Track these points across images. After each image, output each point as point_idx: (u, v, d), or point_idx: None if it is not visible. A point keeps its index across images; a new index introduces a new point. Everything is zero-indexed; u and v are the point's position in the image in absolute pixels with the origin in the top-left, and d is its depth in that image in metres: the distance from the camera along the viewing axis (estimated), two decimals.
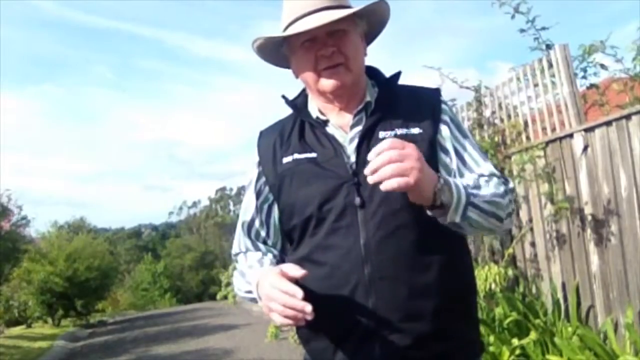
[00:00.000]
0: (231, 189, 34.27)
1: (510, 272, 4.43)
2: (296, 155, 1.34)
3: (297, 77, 1.38)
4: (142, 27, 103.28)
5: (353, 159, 1.30)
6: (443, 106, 1.35)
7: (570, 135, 4.07)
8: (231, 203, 33.93)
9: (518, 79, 4.81)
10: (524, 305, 4.22)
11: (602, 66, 4.39)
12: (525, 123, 4.79)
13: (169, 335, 9.24)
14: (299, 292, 1.13)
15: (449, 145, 1.32)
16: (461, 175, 1.31)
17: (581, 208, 4.01)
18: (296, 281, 1.16)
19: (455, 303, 1.30)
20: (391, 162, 1.08)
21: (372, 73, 1.41)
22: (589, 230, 3.95)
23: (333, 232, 1.28)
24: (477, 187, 1.24)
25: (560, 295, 4.24)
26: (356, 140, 1.31)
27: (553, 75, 4.36)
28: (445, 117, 1.34)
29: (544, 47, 4.48)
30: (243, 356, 6.66)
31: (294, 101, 1.42)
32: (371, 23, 1.37)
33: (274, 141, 1.39)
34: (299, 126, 1.38)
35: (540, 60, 4.48)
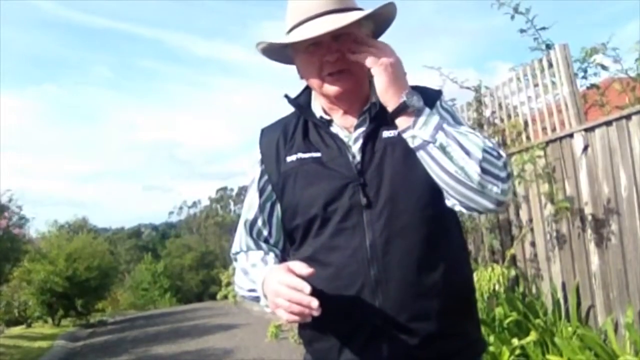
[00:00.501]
0: (232, 189, 34.29)
1: (512, 272, 4.43)
2: (300, 155, 1.33)
3: (301, 78, 1.38)
4: (142, 27, 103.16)
5: (358, 159, 1.29)
6: (443, 104, 1.34)
7: (570, 135, 4.08)
8: (231, 203, 33.94)
9: (518, 79, 4.81)
10: (524, 305, 4.22)
11: (603, 67, 4.39)
12: (525, 123, 4.80)
13: (169, 335, 9.24)
14: (307, 287, 1.12)
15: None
16: None
17: (581, 208, 4.01)
18: (306, 279, 1.16)
19: (460, 302, 1.30)
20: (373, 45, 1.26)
21: None
22: (589, 230, 3.95)
23: (338, 232, 1.27)
24: (452, 125, 1.24)
25: (560, 295, 4.25)
26: (361, 141, 1.31)
27: (553, 75, 4.36)
28: (440, 110, 1.31)
29: (543, 47, 4.48)
30: (243, 356, 6.66)
31: (296, 99, 1.41)
32: (377, 22, 1.36)
33: (277, 139, 1.38)
34: (303, 125, 1.38)
35: (540, 60, 4.48)
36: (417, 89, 1.27)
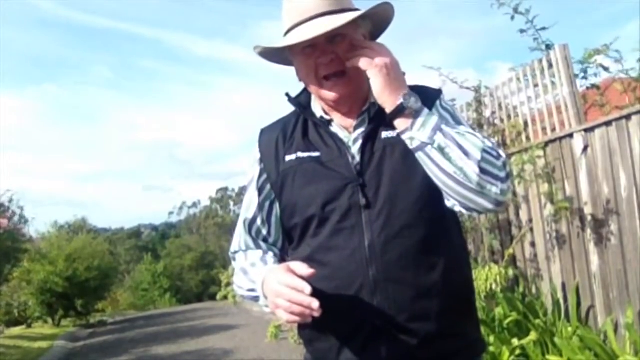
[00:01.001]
0: (232, 189, 34.27)
1: (510, 272, 4.43)
2: (300, 154, 1.33)
3: (300, 80, 1.38)
4: (142, 27, 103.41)
5: (358, 159, 1.29)
6: (443, 104, 1.34)
7: (570, 136, 4.08)
8: (231, 203, 33.92)
9: (518, 79, 4.81)
10: (524, 305, 4.22)
11: (604, 68, 4.38)
12: (525, 123, 4.80)
13: (169, 335, 9.24)
14: (307, 288, 1.12)
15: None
16: None
17: (581, 208, 4.01)
18: (304, 278, 1.16)
19: (460, 302, 1.30)
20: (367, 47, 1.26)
21: None
22: (588, 230, 3.95)
23: (337, 232, 1.27)
24: (455, 127, 1.23)
25: (560, 295, 4.25)
26: (360, 141, 1.31)
27: (553, 76, 4.36)
28: (440, 110, 1.32)
29: (543, 47, 4.48)
30: (243, 356, 6.66)
31: (297, 98, 1.41)
32: (375, 22, 1.36)
33: (277, 138, 1.38)
34: (303, 124, 1.38)
35: (540, 61, 4.48)
36: (416, 89, 1.26)
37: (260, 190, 1.39)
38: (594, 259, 3.94)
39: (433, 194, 1.25)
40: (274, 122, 1.45)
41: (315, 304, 1.11)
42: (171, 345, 8.08)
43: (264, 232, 1.40)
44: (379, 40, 1.40)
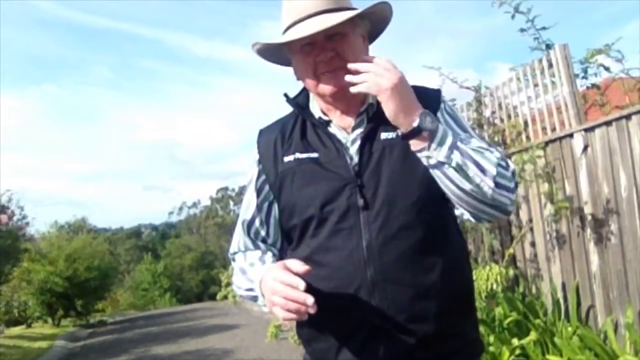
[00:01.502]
0: (232, 189, 34.26)
1: (510, 272, 4.43)
2: (298, 155, 1.33)
3: (298, 79, 1.38)
4: (142, 27, 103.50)
5: (356, 160, 1.29)
6: (442, 105, 1.34)
7: (570, 135, 4.07)
8: (231, 203, 33.91)
9: (518, 79, 4.81)
10: (524, 305, 4.22)
11: (605, 68, 4.38)
12: (525, 123, 4.79)
13: (169, 335, 9.24)
14: (302, 284, 1.12)
15: None
16: None
17: (581, 208, 4.01)
18: (303, 279, 1.16)
19: (458, 303, 1.30)
20: (371, 70, 1.20)
21: None
22: (588, 230, 3.95)
23: (335, 233, 1.27)
24: (466, 141, 1.23)
25: (560, 295, 4.24)
26: (358, 142, 1.31)
27: (553, 75, 4.36)
28: (445, 115, 1.33)
29: (544, 47, 4.48)
30: (243, 356, 6.66)
31: (295, 99, 1.41)
32: (373, 22, 1.36)
33: (275, 139, 1.38)
34: (301, 125, 1.38)
35: (540, 60, 4.48)
36: (416, 89, 1.26)
37: (258, 191, 1.39)
38: (594, 259, 3.93)
39: (432, 194, 1.25)
40: (273, 122, 1.45)
41: (309, 299, 1.11)
42: (171, 345, 8.08)
43: (263, 233, 1.41)
44: (375, 44, 1.42)
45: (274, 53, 1.38)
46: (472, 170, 1.18)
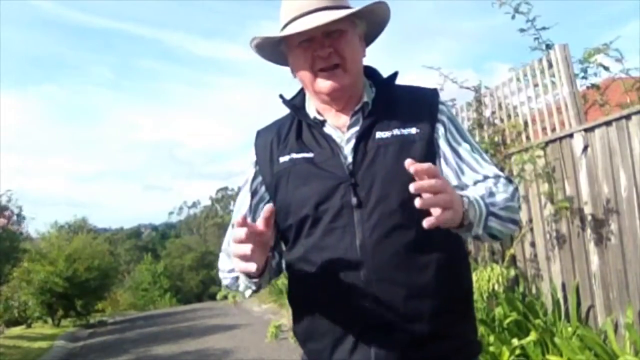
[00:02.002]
0: (233, 189, 34.29)
1: (512, 272, 4.43)
2: (293, 155, 1.33)
3: (294, 76, 1.38)
4: (142, 27, 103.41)
5: (350, 159, 1.29)
6: (441, 106, 1.34)
7: (570, 135, 4.07)
8: (231, 203, 33.92)
9: (518, 79, 4.81)
10: (524, 305, 4.22)
11: (605, 67, 4.38)
12: (525, 123, 4.79)
13: (169, 335, 9.23)
14: (241, 234, 1.11)
15: (446, 144, 1.31)
16: (462, 172, 1.29)
17: (581, 208, 4.01)
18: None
19: (454, 303, 1.29)
20: (436, 191, 1.02)
21: (370, 73, 1.40)
22: (588, 230, 3.95)
23: (329, 232, 1.27)
24: (491, 194, 1.23)
25: (560, 295, 4.24)
26: (353, 141, 1.30)
27: (553, 76, 4.36)
28: (443, 117, 1.33)
29: (544, 47, 4.48)
30: (243, 356, 6.66)
31: (291, 101, 1.41)
32: (371, 24, 1.36)
33: (271, 140, 1.38)
34: (297, 126, 1.38)
35: (540, 61, 4.48)
36: (412, 89, 1.26)
37: (253, 192, 1.39)
38: (594, 259, 3.93)
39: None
40: (270, 123, 1.45)
41: (245, 247, 1.11)
42: (171, 345, 8.07)
43: None
44: (374, 44, 1.42)
45: (271, 50, 1.38)
46: (507, 227, 1.24)
